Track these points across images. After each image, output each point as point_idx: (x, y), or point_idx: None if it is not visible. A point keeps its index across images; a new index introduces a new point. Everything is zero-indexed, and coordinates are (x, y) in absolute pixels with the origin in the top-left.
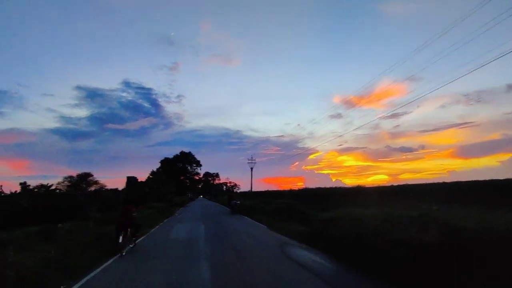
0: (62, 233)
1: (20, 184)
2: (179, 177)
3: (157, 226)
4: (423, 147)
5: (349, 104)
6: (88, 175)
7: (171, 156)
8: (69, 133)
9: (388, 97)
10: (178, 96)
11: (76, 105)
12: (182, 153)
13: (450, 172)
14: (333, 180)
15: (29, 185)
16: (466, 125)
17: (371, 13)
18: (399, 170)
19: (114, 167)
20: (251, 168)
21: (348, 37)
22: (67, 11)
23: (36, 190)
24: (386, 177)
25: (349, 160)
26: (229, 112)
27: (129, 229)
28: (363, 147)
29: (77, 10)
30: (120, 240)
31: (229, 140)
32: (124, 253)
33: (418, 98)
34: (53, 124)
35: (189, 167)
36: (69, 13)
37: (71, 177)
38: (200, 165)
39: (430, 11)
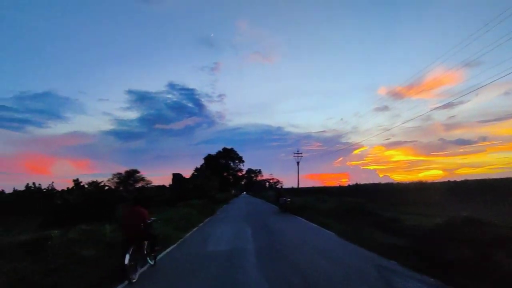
0: (57, 244)
1: (73, 181)
2: (222, 173)
3: (193, 230)
4: (484, 138)
5: (396, 95)
6: (135, 171)
7: (214, 153)
8: (122, 134)
9: (441, 86)
10: (220, 95)
11: (127, 108)
12: (224, 149)
13: None
14: (381, 176)
15: (81, 182)
16: None
17: None
18: (456, 164)
19: (161, 165)
20: (298, 163)
21: (393, 23)
22: (113, 20)
23: (86, 186)
24: (440, 172)
25: (397, 155)
26: (270, 109)
27: (143, 242)
28: (413, 141)
29: (123, 19)
30: (126, 261)
31: (271, 137)
32: (134, 280)
33: (479, 86)
34: (108, 126)
35: (231, 164)
36: (116, 22)
37: (119, 173)
38: (243, 161)
39: None
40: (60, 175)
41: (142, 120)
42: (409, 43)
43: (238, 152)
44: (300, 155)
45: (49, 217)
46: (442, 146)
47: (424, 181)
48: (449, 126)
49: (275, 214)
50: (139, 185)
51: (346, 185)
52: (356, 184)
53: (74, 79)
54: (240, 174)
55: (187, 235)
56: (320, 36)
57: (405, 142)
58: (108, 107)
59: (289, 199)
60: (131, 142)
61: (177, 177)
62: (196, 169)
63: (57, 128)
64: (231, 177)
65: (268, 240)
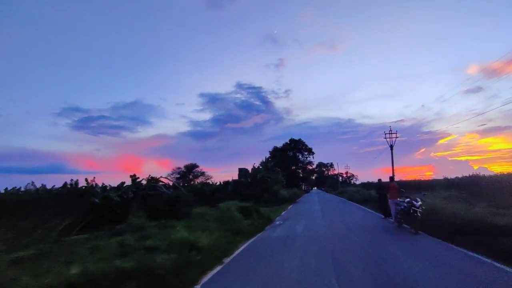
0: None
1: (130, 176)
2: (290, 167)
3: None
4: None
5: (491, 73)
6: (195, 166)
7: (280, 145)
8: (197, 134)
9: None
10: (286, 91)
11: (201, 110)
12: (292, 140)
13: None
14: (475, 167)
15: (138, 177)
16: None
17: None
18: None
19: (232, 162)
20: (391, 146)
21: None
22: (183, 28)
23: (144, 183)
24: None
25: (496, 143)
26: (338, 101)
27: None
28: None
29: (190, 26)
30: None
31: (341, 130)
32: None
33: None
34: (185, 128)
35: (300, 156)
36: (185, 30)
37: (179, 168)
38: (313, 153)
39: None
40: (149, 172)
41: (214, 120)
42: (503, 9)
43: (306, 143)
44: (394, 135)
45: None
46: None
47: None
48: None
49: (390, 233)
50: (199, 180)
51: (432, 178)
52: (446, 178)
53: (156, 88)
54: (310, 168)
55: None
56: (389, 19)
57: (507, 127)
58: (184, 110)
59: (419, 203)
60: (205, 142)
61: (243, 171)
62: (262, 163)
63: (144, 132)
64: (300, 170)
65: None
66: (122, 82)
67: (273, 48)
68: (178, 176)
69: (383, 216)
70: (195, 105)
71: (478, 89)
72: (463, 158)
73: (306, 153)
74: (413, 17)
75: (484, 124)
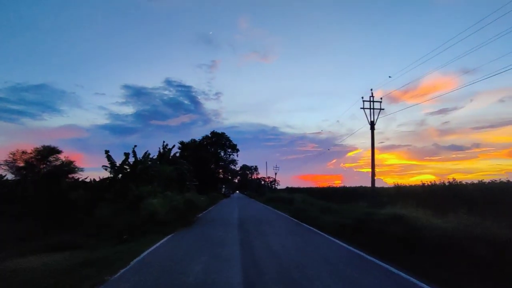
0: None
1: None
2: (208, 165)
3: None
4: (477, 145)
5: (391, 99)
6: (53, 150)
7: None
8: (117, 128)
9: (435, 91)
10: (217, 94)
11: (123, 103)
12: (214, 133)
13: (508, 173)
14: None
15: None
16: None
17: (415, 0)
18: (448, 170)
19: None
20: (372, 122)
21: (389, 28)
22: (114, 15)
23: None
24: (432, 177)
25: (391, 158)
26: (266, 109)
27: None
28: (407, 145)
29: (122, 14)
30: None
31: (266, 137)
32: None
33: (471, 89)
34: (103, 120)
35: (222, 153)
36: (116, 17)
37: (26, 153)
38: (237, 150)
39: None
40: None
41: (137, 115)
42: (405, 47)
43: (231, 139)
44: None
45: None
46: (435, 151)
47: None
48: (442, 132)
49: None
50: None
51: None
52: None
53: (71, 72)
54: (233, 168)
55: None
56: (318, 38)
57: (399, 146)
58: (104, 101)
59: None
60: (125, 137)
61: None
62: (160, 153)
63: (51, 121)
64: (221, 170)
65: None
66: (26, 60)
67: (207, 49)
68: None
69: None
70: (117, 97)
71: (382, 112)
72: (365, 170)
73: (230, 150)
74: (335, 39)
75: (383, 142)
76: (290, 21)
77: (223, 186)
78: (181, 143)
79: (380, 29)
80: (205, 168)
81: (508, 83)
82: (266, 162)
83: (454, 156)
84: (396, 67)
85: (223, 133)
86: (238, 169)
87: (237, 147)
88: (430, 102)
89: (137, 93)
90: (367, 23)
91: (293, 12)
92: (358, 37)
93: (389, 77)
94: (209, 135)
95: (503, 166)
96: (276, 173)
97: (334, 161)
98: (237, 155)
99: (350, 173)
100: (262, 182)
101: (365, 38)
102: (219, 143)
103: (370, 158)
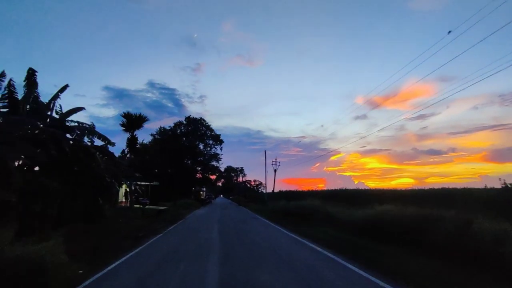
0: None
1: None
2: (182, 160)
3: None
4: (453, 150)
5: (373, 104)
6: None
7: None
8: (98, 131)
9: (414, 97)
10: (201, 97)
11: (104, 105)
12: (189, 119)
13: (482, 176)
14: (356, 182)
15: None
16: (500, 128)
17: (397, 9)
18: (426, 173)
19: None
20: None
21: (372, 35)
22: (96, 15)
23: None
24: (411, 180)
25: (372, 162)
26: (250, 112)
27: None
28: (387, 149)
29: (105, 14)
30: None
31: (250, 140)
32: None
33: (448, 97)
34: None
35: (201, 146)
36: (98, 17)
37: None
38: (221, 141)
39: (460, 4)
40: None
41: (119, 118)
42: (387, 54)
43: (212, 127)
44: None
45: None
46: (414, 156)
47: (397, 189)
48: (421, 137)
49: None
50: None
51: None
52: (335, 190)
53: (49, 72)
54: (215, 164)
55: None
56: (302, 43)
57: (380, 150)
58: (85, 103)
59: None
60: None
61: None
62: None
63: None
64: (199, 168)
65: None
66: (1, 58)
67: (191, 52)
68: None
69: None
70: (97, 98)
71: (364, 116)
72: (347, 174)
73: (211, 141)
74: (318, 45)
75: (365, 146)
76: (274, 26)
77: (203, 188)
78: (126, 115)
79: (362, 35)
80: (176, 164)
81: (481, 91)
82: (243, 167)
83: (431, 160)
84: (378, 72)
85: (201, 119)
86: (222, 169)
87: (221, 138)
88: (409, 108)
89: (119, 95)
90: (350, 29)
91: (277, 17)
92: (341, 43)
93: (449, 32)
94: (184, 121)
95: (477, 169)
96: (275, 170)
97: (317, 164)
98: (221, 148)
99: (334, 176)
100: (248, 185)
101: (348, 44)
102: (196, 133)
103: None
